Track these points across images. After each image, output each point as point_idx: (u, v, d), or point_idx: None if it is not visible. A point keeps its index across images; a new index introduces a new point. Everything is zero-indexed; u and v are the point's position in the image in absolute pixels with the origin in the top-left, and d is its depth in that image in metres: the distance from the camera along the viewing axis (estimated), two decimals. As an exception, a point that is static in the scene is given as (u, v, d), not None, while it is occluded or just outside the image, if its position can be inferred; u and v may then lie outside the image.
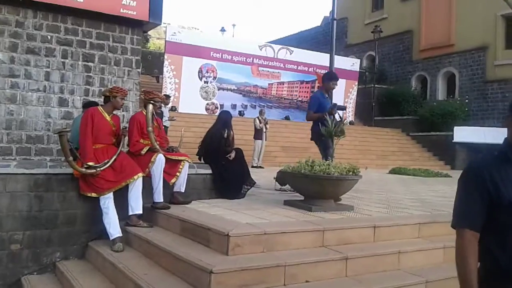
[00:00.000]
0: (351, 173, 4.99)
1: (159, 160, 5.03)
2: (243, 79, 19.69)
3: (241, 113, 18.87)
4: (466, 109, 20.50)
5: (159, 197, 4.99)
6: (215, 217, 4.39)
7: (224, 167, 5.88)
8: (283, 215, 4.64)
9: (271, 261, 3.56)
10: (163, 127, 6.56)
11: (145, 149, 5.07)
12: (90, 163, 4.65)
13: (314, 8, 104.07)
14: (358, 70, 22.50)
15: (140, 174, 4.82)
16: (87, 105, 5.84)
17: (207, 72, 18.67)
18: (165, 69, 17.68)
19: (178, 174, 5.23)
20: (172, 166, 5.21)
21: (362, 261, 3.97)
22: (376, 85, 23.00)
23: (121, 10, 8.04)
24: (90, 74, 8.05)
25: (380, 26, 23.80)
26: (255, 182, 6.24)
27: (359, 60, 23.63)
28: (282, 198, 5.71)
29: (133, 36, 8.45)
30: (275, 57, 20.28)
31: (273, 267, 3.50)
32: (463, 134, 18.79)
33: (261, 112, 14.12)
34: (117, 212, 4.71)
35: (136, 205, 4.78)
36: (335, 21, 7.72)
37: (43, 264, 4.80)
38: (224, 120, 6.32)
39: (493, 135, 18.32)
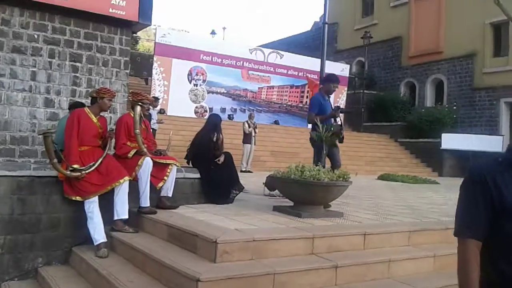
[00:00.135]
0: (341, 179, 4.93)
1: (146, 164, 4.92)
2: (233, 83, 19.63)
3: (230, 117, 18.79)
4: (454, 116, 20.63)
5: (145, 201, 4.89)
6: (202, 223, 4.30)
7: (213, 171, 5.79)
8: (272, 221, 4.56)
9: (260, 269, 3.48)
10: (151, 129, 6.46)
11: (132, 152, 4.97)
12: (75, 166, 4.52)
13: (304, 13, 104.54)
14: (347, 75, 22.57)
15: (127, 178, 4.70)
16: (73, 106, 5.72)
17: (196, 75, 18.58)
18: (154, 71, 17.55)
19: (165, 178, 5.14)
20: (159, 170, 5.11)
21: (352, 270, 3.91)
22: (365, 91, 23.07)
23: (110, 10, 7.93)
24: (77, 74, 7.93)
25: (370, 32, 23.91)
26: (244, 187, 6.16)
27: (348, 66, 23.72)
28: (271, 204, 5.63)
29: (122, 36, 8.35)
30: (265, 61, 20.27)
31: (262, 275, 3.42)
32: (451, 141, 18.90)
33: (250, 116, 14.06)
34: (102, 217, 4.59)
35: (122, 210, 4.67)
36: (326, 25, 7.67)
37: (24, 269, 4.66)
38: (213, 124, 6.23)
39: (481, 143, 18.50)
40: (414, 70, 23.67)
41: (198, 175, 5.79)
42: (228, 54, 19.29)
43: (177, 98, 17.65)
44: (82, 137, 4.69)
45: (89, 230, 4.53)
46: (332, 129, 5.63)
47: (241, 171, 12.00)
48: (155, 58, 17.69)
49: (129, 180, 4.75)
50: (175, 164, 5.27)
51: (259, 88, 20.35)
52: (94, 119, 4.84)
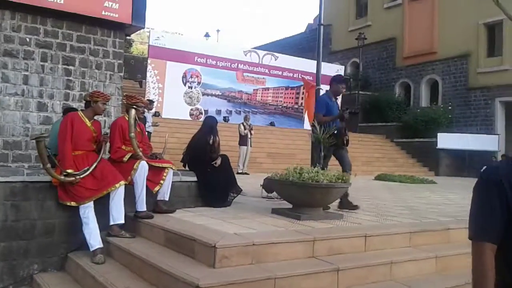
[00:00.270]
0: (340, 180, 4.87)
1: (142, 168, 4.84)
2: (228, 85, 19.57)
3: (225, 119, 18.71)
4: (450, 116, 20.70)
5: (142, 206, 4.80)
6: (200, 227, 4.22)
7: (210, 174, 5.71)
8: (271, 224, 4.49)
9: (260, 273, 3.40)
10: (146, 133, 6.37)
11: (127, 156, 4.88)
12: (69, 171, 4.43)
13: (298, 16, 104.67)
14: (342, 76, 22.54)
15: (122, 182, 4.62)
16: (67, 111, 5.62)
17: (191, 77, 18.51)
18: (148, 74, 17.47)
19: (161, 181, 5.05)
20: (155, 174, 5.03)
21: (353, 272, 3.84)
22: (360, 92, 23.09)
23: (103, 13, 7.83)
24: (71, 78, 7.81)
25: (364, 33, 23.94)
26: (241, 190, 6.08)
27: (343, 67, 23.72)
28: (269, 206, 5.56)
29: (115, 39, 8.24)
30: (260, 62, 20.22)
31: (262, 280, 3.34)
32: (446, 140, 18.95)
33: (245, 118, 13.99)
34: (98, 222, 4.50)
35: (118, 215, 4.58)
36: (322, 26, 7.63)
37: (19, 277, 4.55)
38: (209, 126, 6.16)
39: (477, 142, 18.55)
40: (409, 70, 23.72)
41: (194, 178, 5.71)
42: (222, 56, 19.24)
43: (172, 100, 17.57)
44: (76, 141, 4.60)
45: (84, 235, 4.44)
46: (335, 132, 5.56)
47: (238, 173, 11.92)
48: (149, 61, 17.61)
49: (125, 184, 4.66)
50: (171, 168, 5.18)
51: (254, 89, 20.30)
52: (88, 123, 4.76)
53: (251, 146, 13.58)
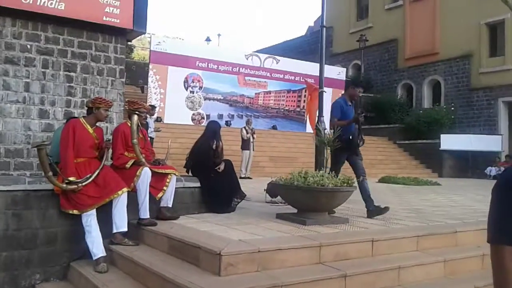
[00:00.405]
0: (345, 184, 4.81)
1: (145, 174, 4.78)
2: (230, 89, 19.51)
3: (228, 123, 18.66)
4: (452, 116, 20.60)
5: (145, 213, 4.74)
6: (205, 234, 4.16)
7: (213, 179, 5.65)
8: (277, 230, 4.42)
9: (267, 281, 3.34)
10: (149, 138, 6.32)
11: (130, 163, 4.82)
12: (71, 178, 4.38)
13: (299, 18, 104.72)
14: (344, 79, 22.48)
15: (125, 189, 4.55)
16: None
17: (192, 82, 18.47)
18: (150, 79, 17.44)
19: (165, 188, 4.99)
20: (158, 180, 4.97)
21: (361, 278, 3.77)
22: (362, 94, 22.98)
23: (104, 18, 7.78)
24: (72, 84, 7.76)
25: (365, 35, 23.88)
26: (245, 195, 6.03)
27: (345, 69, 23.64)
28: (273, 211, 5.50)
29: (116, 44, 8.19)
30: (262, 66, 20.17)
31: (269, 287, 3.28)
32: (449, 141, 18.85)
33: (248, 122, 13.94)
34: (101, 230, 4.44)
35: (120, 222, 4.52)
36: (324, 28, 7.57)
37: (21, 287, 4.49)
38: (212, 131, 6.10)
39: (480, 142, 18.45)
40: (411, 72, 23.64)
41: (198, 184, 5.66)
42: (224, 60, 19.19)
43: (174, 105, 17.53)
44: (78, 148, 4.55)
45: (87, 244, 4.38)
46: (350, 137, 5.50)
47: (241, 178, 11.84)
48: (150, 66, 17.58)
49: (128, 191, 4.60)
50: (174, 174, 5.13)
51: (256, 93, 20.24)
52: (90, 130, 4.71)
53: (253, 150, 13.51)
